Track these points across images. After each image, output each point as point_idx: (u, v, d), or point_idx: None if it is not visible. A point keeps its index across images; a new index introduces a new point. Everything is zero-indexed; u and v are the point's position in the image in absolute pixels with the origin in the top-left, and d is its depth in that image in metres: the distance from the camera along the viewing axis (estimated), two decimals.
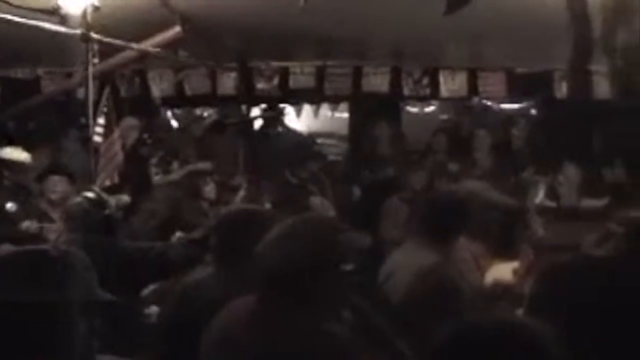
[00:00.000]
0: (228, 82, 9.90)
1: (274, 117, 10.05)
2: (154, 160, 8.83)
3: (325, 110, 11.33)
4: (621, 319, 2.92)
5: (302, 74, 10.00)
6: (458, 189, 5.40)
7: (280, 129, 10.08)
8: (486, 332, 1.87)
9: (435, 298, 3.83)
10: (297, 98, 10.47)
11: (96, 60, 7.08)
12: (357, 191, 9.11)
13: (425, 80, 9.83)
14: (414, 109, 11.58)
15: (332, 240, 2.85)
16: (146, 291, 5.82)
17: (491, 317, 2.16)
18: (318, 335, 2.73)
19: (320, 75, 9.91)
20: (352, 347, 2.80)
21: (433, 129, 10.34)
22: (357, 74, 9.82)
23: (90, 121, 7.18)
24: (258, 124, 10.27)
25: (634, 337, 2.88)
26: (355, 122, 10.70)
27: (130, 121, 8.83)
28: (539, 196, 7.34)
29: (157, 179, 8.60)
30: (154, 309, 5.54)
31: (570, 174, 8.16)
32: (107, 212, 5.41)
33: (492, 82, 9.78)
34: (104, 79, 8.26)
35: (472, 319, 2.00)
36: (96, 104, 7.39)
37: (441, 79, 9.78)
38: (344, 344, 2.77)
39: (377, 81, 9.85)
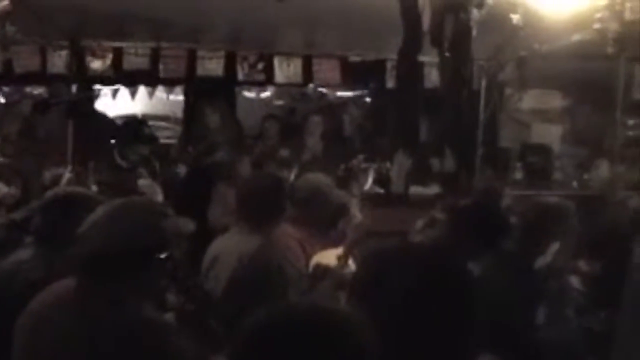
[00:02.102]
0: (59, 61, 9.58)
1: (95, 96, 9.81)
2: None
3: (161, 92, 11.18)
4: (437, 305, 3.00)
5: (136, 55, 9.78)
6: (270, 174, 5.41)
7: (102, 110, 9.87)
8: (295, 316, 1.88)
9: (258, 282, 3.83)
10: (131, 79, 10.25)
11: None
12: (186, 175, 9.02)
13: (261, 66, 9.81)
14: (249, 94, 11.59)
15: (153, 225, 2.81)
16: None
17: (301, 302, 2.18)
18: (136, 321, 2.68)
19: (155, 56, 9.73)
20: (172, 332, 2.77)
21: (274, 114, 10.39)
22: (192, 57, 9.70)
23: None
24: (85, 104, 10.00)
25: (449, 322, 2.97)
26: (189, 105, 10.59)
27: None
28: (368, 182, 7.47)
29: None
30: None
31: (400, 161, 8.35)
32: None
33: (327, 69, 9.87)
34: None
35: (283, 303, 2.01)
36: None
37: (276, 65, 9.79)
38: (163, 329, 2.73)
39: (212, 65, 9.76)
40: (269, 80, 10.02)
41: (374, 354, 1.87)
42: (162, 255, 2.79)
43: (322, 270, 4.63)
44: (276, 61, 9.79)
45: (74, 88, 9.29)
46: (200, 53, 9.71)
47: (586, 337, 5.05)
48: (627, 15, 5.86)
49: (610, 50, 5.99)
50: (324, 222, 5.22)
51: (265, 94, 11.80)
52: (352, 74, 9.99)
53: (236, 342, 1.88)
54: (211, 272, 4.24)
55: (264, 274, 3.89)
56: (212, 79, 9.82)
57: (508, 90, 9.36)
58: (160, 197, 7.30)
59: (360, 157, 8.20)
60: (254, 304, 3.04)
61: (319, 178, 5.44)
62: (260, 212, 4.35)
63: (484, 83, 8.77)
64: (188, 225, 3.02)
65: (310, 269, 4.74)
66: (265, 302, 1.99)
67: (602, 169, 8.24)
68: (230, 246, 4.26)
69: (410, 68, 6.17)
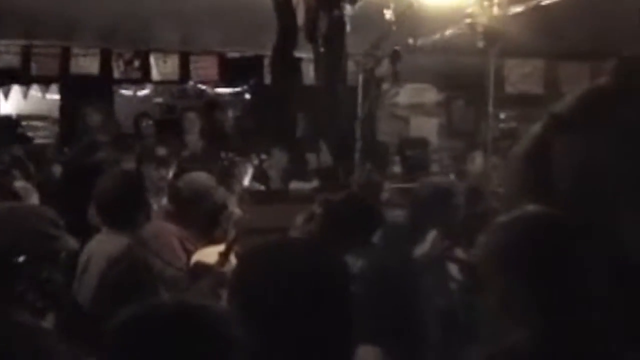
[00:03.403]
0: None
1: None
2: None
3: (36, 91, 10.91)
4: (313, 299, 3.02)
5: (7, 53, 9.51)
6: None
7: None
8: (161, 313, 1.89)
9: (125, 283, 3.78)
10: (3, 78, 9.96)
11: None
12: (63, 176, 8.80)
13: (137, 63, 9.69)
14: (127, 92, 11.42)
15: (24, 231, 2.75)
16: None
17: (169, 298, 2.18)
18: (6, 325, 2.61)
19: (27, 55, 9.48)
20: (45, 335, 2.71)
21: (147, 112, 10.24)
22: (66, 55, 9.49)
23: None
24: None
25: (325, 315, 2.99)
26: (65, 104, 10.35)
27: None
28: (247, 179, 7.44)
29: None
30: None
31: (279, 157, 8.36)
32: None
33: (204, 66, 9.83)
34: None
35: (151, 301, 2.00)
36: None
37: (152, 62, 9.67)
38: (35, 332, 2.67)
39: (87, 63, 9.59)
40: (145, 77, 9.92)
41: (244, 349, 1.88)
42: (20, 259, 2.73)
43: (202, 268, 4.61)
44: (152, 58, 9.70)
45: None
46: (74, 51, 9.51)
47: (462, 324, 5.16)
48: (496, 10, 6.00)
49: (480, 44, 6.13)
50: (207, 220, 5.21)
51: (144, 92, 11.65)
52: (230, 71, 9.97)
53: (105, 339, 1.86)
54: (85, 274, 4.15)
55: (131, 274, 3.83)
56: (88, 77, 9.64)
57: (385, 85, 9.48)
58: (35, 199, 7.11)
59: (240, 153, 8.18)
60: (123, 305, 3.00)
61: (202, 177, 5.42)
62: (118, 211, 4.26)
63: (361, 78, 8.86)
64: (73, 243, 2.98)
65: (190, 267, 4.72)
66: (133, 302, 1.97)
67: (478, 161, 8.42)
68: (100, 248, 4.18)
69: (285, 64, 6.17)
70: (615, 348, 2.27)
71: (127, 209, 4.27)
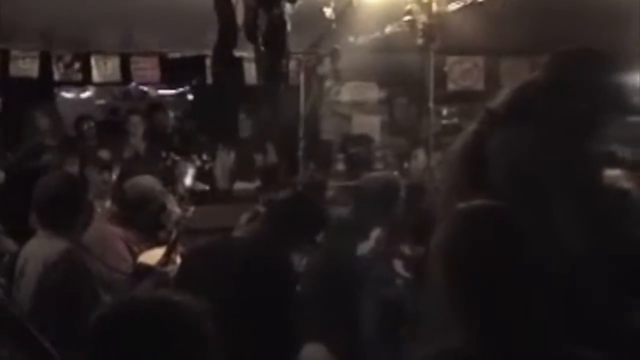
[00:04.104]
0: None
1: None
2: None
3: None
4: (256, 297, 3.04)
5: None
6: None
7: None
8: (136, 309, 1.94)
9: (63, 287, 3.74)
10: None
11: None
12: (6, 181, 8.66)
13: (77, 65, 9.54)
14: (68, 95, 11.28)
15: None
16: None
17: (146, 294, 2.21)
18: None
19: None
20: None
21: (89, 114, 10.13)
22: (4, 58, 9.32)
23: None
24: None
25: (268, 313, 3.02)
26: (6, 107, 10.17)
27: None
28: (190, 180, 7.42)
29: None
30: None
31: (222, 158, 8.35)
32: None
33: (146, 67, 9.71)
34: None
35: (129, 296, 2.05)
36: None
37: (93, 64, 9.55)
38: None
39: (26, 65, 9.40)
40: (86, 79, 9.76)
41: (216, 343, 1.95)
42: None
43: (144, 269, 4.61)
44: (93, 60, 9.55)
45: None
46: (13, 53, 9.34)
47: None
48: (435, 7, 6.06)
49: (419, 41, 6.18)
50: (153, 223, 5.21)
51: (86, 94, 11.51)
52: (172, 71, 9.89)
53: (88, 335, 1.92)
54: (22, 279, 4.09)
55: (70, 279, 3.79)
56: (29, 80, 9.48)
57: (327, 84, 9.50)
58: None
59: (184, 153, 8.15)
60: (62, 309, 2.99)
61: (148, 180, 5.42)
62: (56, 214, 4.20)
63: (302, 77, 8.87)
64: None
65: (133, 268, 4.72)
66: (73, 306, 1.98)
67: (420, 158, 8.49)
68: (37, 251, 4.12)
69: (225, 64, 6.15)
70: (555, 348, 2.29)
71: (65, 211, 4.20)
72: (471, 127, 3.12)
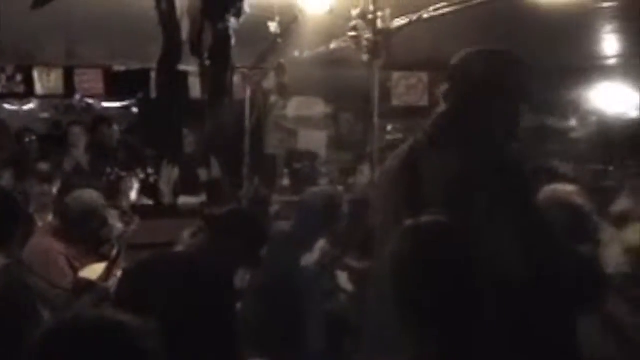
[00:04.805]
0: None
1: None
2: None
3: None
4: (195, 314, 3.03)
5: None
6: None
7: None
8: (79, 327, 1.91)
9: (4, 303, 3.68)
10: None
11: None
12: None
13: (19, 77, 9.45)
14: (12, 107, 11.13)
15: None
16: None
17: (91, 312, 2.19)
18: None
19: None
20: None
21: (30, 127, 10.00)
22: None
23: None
24: None
25: (210, 328, 3.00)
26: None
27: None
28: (133, 194, 7.37)
29: None
30: None
31: (167, 172, 8.30)
32: None
33: (90, 80, 9.65)
34: None
35: (68, 315, 2.02)
36: None
37: (36, 76, 9.45)
38: None
39: None
40: (29, 92, 9.67)
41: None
42: None
43: (85, 285, 4.56)
44: (36, 72, 9.46)
45: None
46: None
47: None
48: (380, 24, 6.09)
49: (364, 57, 6.21)
50: (95, 237, 5.17)
51: (29, 106, 11.37)
52: (117, 84, 9.82)
53: (28, 352, 1.89)
54: None
55: (7, 294, 3.72)
56: None
57: (272, 98, 9.51)
58: None
59: (128, 167, 8.09)
60: (1, 325, 2.94)
61: (91, 194, 5.37)
62: None
63: (248, 91, 8.86)
64: None
65: (73, 282, 4.67)
66: (12, 323, 1.96)
67: (366, 173, 8.52)
68: None
69: (170, 78, 6.11)
70: None
71: (1, 226, 4.14)
72: (405, 145, 3.14)
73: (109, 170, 7.75)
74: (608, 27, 8.32)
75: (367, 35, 6.12)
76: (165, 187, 8.55)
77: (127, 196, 7.05)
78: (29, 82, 9.49)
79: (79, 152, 8.88)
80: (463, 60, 3.09)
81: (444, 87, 3.10)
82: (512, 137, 3.01)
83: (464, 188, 2.70)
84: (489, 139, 2.88)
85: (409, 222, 2.43)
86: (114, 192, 6.94)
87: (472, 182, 2.70)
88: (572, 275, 2.86)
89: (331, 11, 6.36)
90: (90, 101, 10.78)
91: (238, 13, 5.67)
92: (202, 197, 8.34)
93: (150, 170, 7.98)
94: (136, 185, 7.31)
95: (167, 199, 8.54)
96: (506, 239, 2.61)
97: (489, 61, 3.04)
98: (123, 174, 7.62)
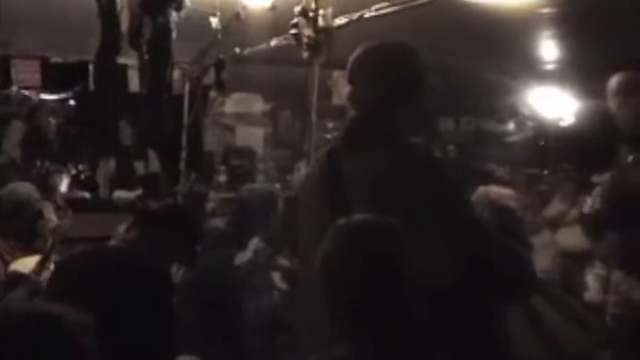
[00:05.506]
0: None
1: None
2: None
3: None
4: (130, 308, 3.01)
5: None
6: None
7: None
8: (12, 321, 1.88)
9: None
10: None
11: None
12: None
13: None
14: None
15: None
16: None
17: (24, 305, 2.16)
18: None
19: None
20: None
21: None
22: None
23: None
24: None
25: (143, 322, 2.99)
26: None
27: None
28: (64, 187, 7.30)
29: None
30: None
31: (104, 165, 8.24)
32: None
33: (26, 71, 9.49)
34: None
35: (2, 307, 2.00)
36: None
37: None
38: None
39: None
40: None
41: (92, 356, 1.93)
42: None
43: (17, 277, 4.50)
44: None
45: None
46: None
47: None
48: (321, 22, 6.09)
49: (305, 55, 6.21)
50: (29, 231, 5.10)
51: None
52: (54, 76, 9.68)
53: None
54: None
55: None
56: None
57: (211, 94, 9.47)
58: None
59: (62, 160, 8.00)
60: None
61: (25, 187, 5.29)
62: None
63: (187, 86, 8.81)
64: None
65: (5, 275, 4.61)
66: None
67: (303, 171, 8.54)
68: None
69: (108, 70, 6.06)
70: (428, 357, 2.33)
71: None
72: (324, 150, 3.14)
73: (38, 163, 7.65)
74: (546, 33, 8.45)
75: (308, 32, 6.13)
76: (101, 181, 8.47)
77: (57, 190, 6.94)
78: None
79: (12, 144, 8.75)
80: (360, 54, 3.07)
81: (348, 90, 3.08)
82: (425, 133, 3.01)
83: (382, 190, 2.71)
84: (396, 138, 2.87)
85: (340, 220, 2.44)
86: (44, 186, 6.84)
87: (389, 184, 2.71)
88: (505, 270, 2.87)
89: (273, 8, 6.35)
90: (27, 92, 10.61)
91: (179, 7, 5.66)
92: (139, 191, 8.28)
93: (84, 165, 7.90)
94: (66, 180, 7.21)
95: (102, 193, 8.47)
96: (435, 236, 2.62)
97: (383, 53, 3.03)
98: (53, 169, 7.52)
